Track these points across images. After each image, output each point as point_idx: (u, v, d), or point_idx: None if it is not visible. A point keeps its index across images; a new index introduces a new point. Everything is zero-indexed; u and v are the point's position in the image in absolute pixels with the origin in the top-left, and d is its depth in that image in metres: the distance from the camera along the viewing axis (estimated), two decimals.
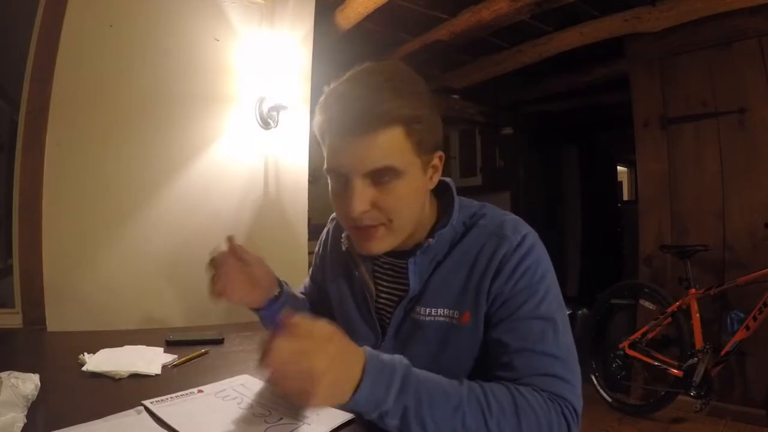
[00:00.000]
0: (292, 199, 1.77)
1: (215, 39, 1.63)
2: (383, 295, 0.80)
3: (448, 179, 0.80)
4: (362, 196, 0.65)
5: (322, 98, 0.70)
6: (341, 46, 2.54)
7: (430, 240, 0.73)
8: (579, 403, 0.63)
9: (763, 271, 2.07)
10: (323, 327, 0.55)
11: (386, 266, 0.81)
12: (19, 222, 1.35)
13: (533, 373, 0.62)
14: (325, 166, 0.70)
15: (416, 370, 0.60)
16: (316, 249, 0.99)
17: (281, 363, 0.51)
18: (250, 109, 1.68)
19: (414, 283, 0.74)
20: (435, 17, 2.56)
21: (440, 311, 0.72)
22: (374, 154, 0.63)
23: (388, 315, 0.79)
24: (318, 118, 0.70)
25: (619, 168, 6.02)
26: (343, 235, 0.83)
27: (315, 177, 1.80)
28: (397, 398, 0.56)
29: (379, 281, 0.81)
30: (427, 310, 0.73)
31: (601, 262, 4.54)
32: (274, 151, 1.74)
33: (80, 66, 1.39)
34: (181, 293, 1.53)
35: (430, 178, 0.72)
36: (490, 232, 0.72)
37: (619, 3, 2.45)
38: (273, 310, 0.87)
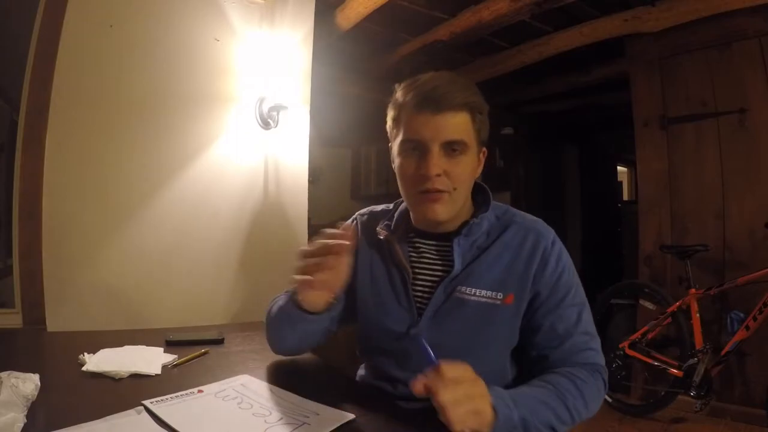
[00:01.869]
0: (292, 199, 1.76)
1: (215, 39, 1.63)
2: (419, 277, 0.87)
3: (481, 182, 0.92)
4: (438, 161, 0.78)
5: (403, 84, 0.84)
6: (341, 46, 2.54)
7: (474, 219, 0.84)
8: (603, 360, 0.84)
9: (763, 271, 2.07)
10: (468, 370, 0.64)
11: (422, 250, 0.89)
12: (19, 222, 1.35)
13: (577, 350, 0.81)
14: (400, 138, 0.82)
15: (511, 391, 0.71)
16: None
17: (455, 404, 0.59)
18: (250, 109, 1.68)
19: (458, 263, 0.83)
20: (435, 17, 2.56)
21: (484, 292, 0.82)
22: (451, 127, 0.78)
23: (426, 296, 0.85)
24: (399, 96, 0.83)
25: (619, 168, 6.03)
26: (379, 226, 0.91)
27: (315, 177, 1.81)
28: (518, 413, 0.68)
29: (414, 264, 0.88)
30: (471, 290, 0.82)
31: (601, 262, 4.54)
32: (274, 151, 1.73)
33: (80, 66, 1.39)
34: (181, 293, 1.53)
35: (478, 166, 0.86)
36: (528, 227, 0.85)
37: (619, 3, 2.45)
38: (325, 318, 0.86)
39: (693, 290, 2.30)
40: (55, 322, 1.32)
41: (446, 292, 0.83)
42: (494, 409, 0.64)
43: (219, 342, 1.13)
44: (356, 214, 1.02)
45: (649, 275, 2.71)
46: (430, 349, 0.66)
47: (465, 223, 0.85)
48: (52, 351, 1.16)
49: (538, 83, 3.73)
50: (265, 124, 1.70)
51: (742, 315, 2.19)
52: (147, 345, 1.02)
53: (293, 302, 0.84)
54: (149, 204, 1.50)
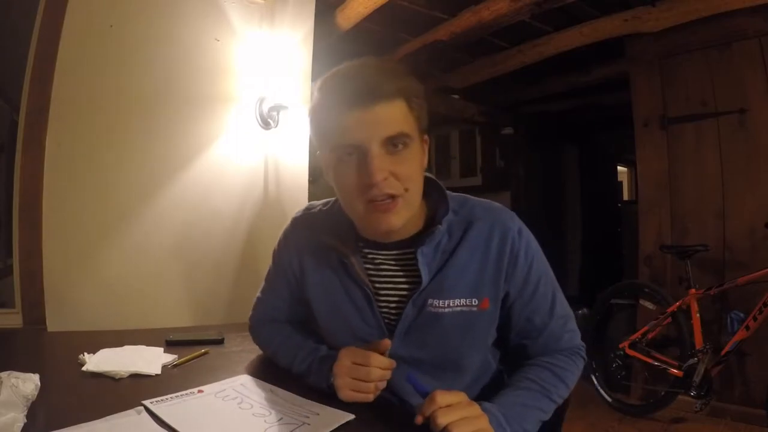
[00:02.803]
0: (292, 199, 1.76)
1: (215, 39, 1.63)
2: (381, 293, 0.79)
3: (427, 173, 0.81)
4: (381, 163, 0.68)
5: (319, 82, 0.73)
6: (341, 46, 2.53)
7: (439, 227, 0.75)
8: (579, 336, 0.84)
9: (763, 271, 2.07)
10: (461, 395, 0.65)
11: (378, 261, 0.80)
12: (19, 222, 1.35)
13: (555, 338, 0.81)
14: (331, 144, 0.72)
15: (498, 405, 0.70)
16: (278, 252, 0.92)
17: (457, 425, 0.60)
18: (250, 109, 1.68)
19: (426, 276, 0.75)
20: (435, 17, 2.56)
21: (457, 301, 0.76)
22: (389, 121, 0.68)
23: (392, 312, 0.79)
24: (319, 98, 0.73)
25: (619, 168, 6.02)
26: (323, 234, 0.81)
27: (315, 177, 1.80)
28: (511, 426, 0.68)
29: (373, 279, 0.80)
30: (444, 301, 0.75)
31: (601, 262, 4.54)
32: (274, 151, 1.74)
33: (80, 66, 1.39)
34: (181, 293, 1.53)
35: (424, 157, 0.76)
36: (492, 221, 0.78)
37: (619, 3, 2.45)
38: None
39: (693, 290, 2.30)
40: (55, 322, 1.32)
41: (417, 307, 0.76)
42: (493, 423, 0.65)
43: (219, 342, 1.13)
44: (292, 217, 0.92)
45: (649, 275, 2.71)
46: (419, 382, 0.67)
47: (425, 230, 0.77)
48: (52, 351, 1.16)
49: (538, 83, 3.73)
50: (265, 124, 1.70)
51: (742, 315, 2.19)
52: (147, 345, 1.01)
53: (327, 380, 0.75)
54: (149, 204, 1.50)
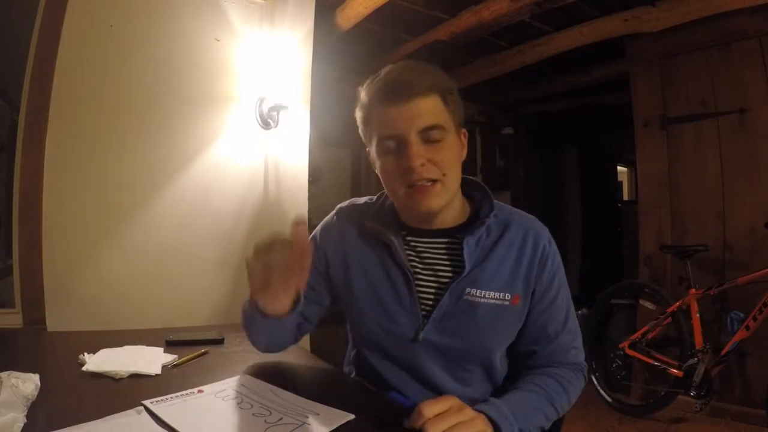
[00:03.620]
0: (292, 199, 1.76)
1: (215, 39, 1.63)
2: (421, 278, 0.83)
3: (473, 177, 0.90)
4: (418, 150, 0.75)
5: (366, 84, 0.81)
6: (341, 46, 2.53)
7: (487, 220, 0.82)
8: (584, 355, 0.87)
9: (763, 271, 2.07)
10: (450, 400, 0.65)
11: (419, 249, 0.85)
12: (19, 222, 1.35)
13: (563, 350, 0.84)
14: (376, 138, 0.80)
15: (507, 401, 0.73)
16: (317, 241, 0.93)
17: None
18: (250, 109, 1.68)
19: (468, 264, 0.80)
20: (435, 17, 2.56)
21: (492, 294, 0.80)
22: (424, 113, 0.76)
23: (429, 298, 0.82)
24: (364, 98, 0.81)
25: (619, 168, 6.03)
26: (368, 221, 0.86)
27: (315, 177, 1.81)
28: (518, 427, 0.70)
29: (414, 265, 0.84)
30: (481, 291, 0.80)
31: (601, 262, 4.54)
32: (274, 151, 1.73)
33: (80, 66, 1.39)
34: (181, 293, 1.53)
35: (461, 149, 0.83)
36: (527, 226, 0.84)
37: (619, 3, 2.45)
38: (291, 319, 0.81)
39: (693, 290, 2.30)
40: (55, 322, 1.32)
41: (454, 295, 0.80)
42: (497, 426, 0.67)
43: (219, 342, 1.13)
44: (337, 207, 0.95)
45: (649, 275, 2.71)
46: (402, 398, 0.70)
47: (472, 221, 0.84)
48: (52, 351, 1.16)
49: (538, 83, 3.73)
50: (265, 124, 1.70)
51: (742, 315, 2.19)
52: (147, 345, 1.01)
53: (253, 305, 0.78)
54: (149, 204, 1.50)
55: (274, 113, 1.69)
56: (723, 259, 2.44)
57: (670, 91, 2.67)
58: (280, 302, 0.76)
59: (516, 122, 4.55)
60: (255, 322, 0.82)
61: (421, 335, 0.81)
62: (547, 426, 0.79)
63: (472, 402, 0.69)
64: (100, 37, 1.42)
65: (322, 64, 1.85)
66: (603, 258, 4.55)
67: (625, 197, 6.41)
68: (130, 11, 1.47)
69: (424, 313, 0.82)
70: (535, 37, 2.82)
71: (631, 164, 5.91)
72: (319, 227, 0.95)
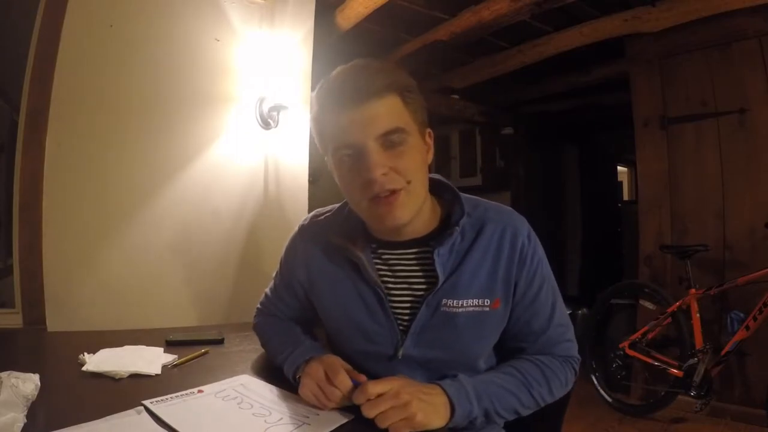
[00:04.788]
0: (292, 199, 1.76)
1: (215, 39, 1.63)
2: (394, 293, 0.78)
3: (439, 176, 0.84)
4: (378, 159, 0.68)
5: (315, 91, 0.75)
6: (341, 46, 2.53)
7: (456, 228, 0.76)
8: (577, 349, 0.84)
9: (763, 271, 2.07)
10: (396, 381, 0.67)
11: (391, 262, 0.80)
12: (19, 222, 1.35)
13: (552, 343, 0.81)
14: (331, 147, 0.73)
15: (474, 379, 0.73)
16: (285, 261, 0.91)
17: (382, 420, 0.63)
18: (250, 109, 1.68)
19: (441, 276, 0.75)
20: (435, 17, 2.55)
21: (471, 301, 0.76)
22: (382, 117, 0.69)
23: (405, 312, 0.78)
24: (316, 107, 0.74)
25: (619, 168, 6.02)
26: (333, 235, 0.81)
27: (315, 177, 1.81)
28: (479, 406, 0.70)
29: (386, 279, 0.79)
30: (458, 301, 0.75)
31: (601, 262, 4.54)
32: (274, 151, 1.73)
33: (80, 66, 1.39)
34: (181, 293, 1.53)
35: (427, 152, 0.77)
36: (504, 223, 0.78)
37: (619, 3, 2.45)
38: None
39: (693, 290, 2.30)
40: (55, 322, 1.32)
41: (431, 307, 0.76)
42: (453, 403, 0.68)
43: (219, 342, 1.13)
44: (299, 225, 0.90)
45: (649, 275, 2.71)
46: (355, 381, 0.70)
47: (439, 230, 0.78)
48: (52, 351, 1.16)
49: (538, 83, 3.73)
50: (265, 124, 1.70)
51: (742, 315, 2.19)
52: (147, 345, 1.02)
53: (289, 374, 0.78)
54: (149, 204, 1.50)
55: (274, 113, 1.70)
56: (723, 259, 2.43)
57: (670, 91, 2.67)
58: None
59: (516, 122, 4.54)
60: (284, 355, 0.82)
61: (401, 352, 0.77)
62: (524, 412, 0.76)
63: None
64: (100, 37, 1.42)
65: (322, 64, 1.84)
66: (603, 258, 4.55)
67: (625, 197, 6.40)
68: (130, 11, 1.47)
69: (401, 328, 0.77)
70: (535, 37, 2.82)
71: (631, 164, 5.91)
72: (284, 249, 0.91)
